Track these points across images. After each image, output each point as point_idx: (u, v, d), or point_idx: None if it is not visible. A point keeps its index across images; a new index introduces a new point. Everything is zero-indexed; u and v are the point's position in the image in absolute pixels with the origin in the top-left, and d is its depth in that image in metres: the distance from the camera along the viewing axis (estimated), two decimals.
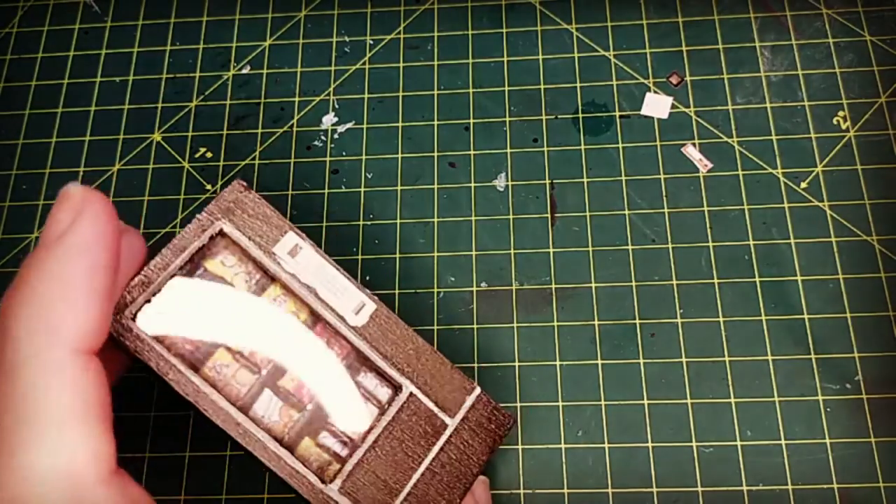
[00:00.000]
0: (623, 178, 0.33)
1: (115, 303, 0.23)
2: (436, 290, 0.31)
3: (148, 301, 0.24)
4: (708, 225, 0.32)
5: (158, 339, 0.24)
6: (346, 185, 0.33)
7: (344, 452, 0.25)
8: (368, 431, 0.25)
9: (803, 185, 0.32)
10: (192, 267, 0.25)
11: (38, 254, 0.20)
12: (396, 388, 0.25)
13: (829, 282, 0.31)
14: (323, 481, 0.24)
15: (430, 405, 0.25)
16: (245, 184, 0.26)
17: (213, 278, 0.25)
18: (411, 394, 0.25)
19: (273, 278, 0.26)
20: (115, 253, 0.21)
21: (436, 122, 0.34)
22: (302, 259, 0.25)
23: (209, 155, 0.34)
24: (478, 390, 0.25)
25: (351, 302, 0.25)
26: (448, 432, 0.25)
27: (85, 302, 0.19)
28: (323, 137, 0.34)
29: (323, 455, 0.25)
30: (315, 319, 0.26)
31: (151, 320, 0.24)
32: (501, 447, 0.29)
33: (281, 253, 0.25)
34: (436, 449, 0.25)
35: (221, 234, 0.25)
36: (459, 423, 0.25)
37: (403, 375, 0.25)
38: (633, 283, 0.31)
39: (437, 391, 0.25)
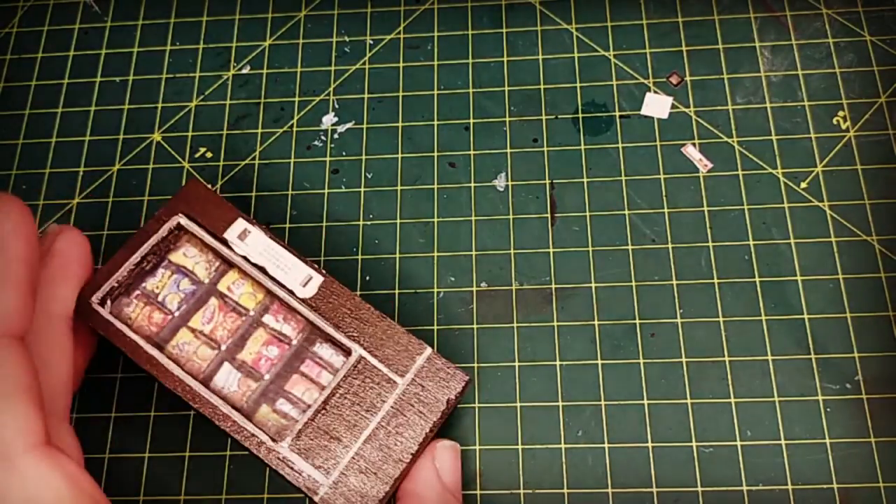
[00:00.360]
0: (623, 178, 0.33)
1: (47, 291, 0.25)
2: (436, 290, 0.31)
3: (113, 286, 0.27)
4: (708, 225, 0.32)
5: (126, 323, 0.27)
6: (346, 185, 0.33)
7: (301, 417, 0.26)
8: (320, 394, 0.26)
9: (803, 185, 0.32)
10: (156, 259, 0.28)
11: None
12: (348, 354, 0.26)
13: (829, 282, 0.31)
14: (275, 441, 0.25)
15: (380, 366, 0.26)
16: (198, 180, 0.29)
17: (177, 268, 0.28)
18: (361, 357, 0.26)
19: (230, 264, 0.28)
20: (32, 245, 0.23)
21: (436, 122, 0.34)
22: (251, 241, 0.28)
23: (209, 155, 0.34)
24: (428, 350, 0.26)
25: (298, 275, 0.27)
26: (398, 392, 0.26)
27: (5, 291, 0.21)
28: (323, 137, 0.34)
29: (280, 420, 0.26)
30: (272, 298, 0.28)
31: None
32: (501, 447, 0.29)
33: (231, 237, 0.28)
34: (385, 408, 0.25)
35: (180, 227, 0.28)
36: (409, 384, 0.26)
37: (353, 340, 0.26)
38: (633, 283, 0.31)
39: (388, 354, 0.26)
